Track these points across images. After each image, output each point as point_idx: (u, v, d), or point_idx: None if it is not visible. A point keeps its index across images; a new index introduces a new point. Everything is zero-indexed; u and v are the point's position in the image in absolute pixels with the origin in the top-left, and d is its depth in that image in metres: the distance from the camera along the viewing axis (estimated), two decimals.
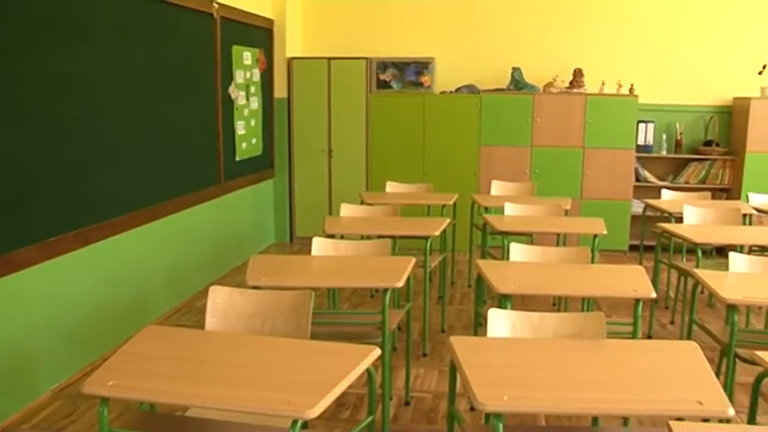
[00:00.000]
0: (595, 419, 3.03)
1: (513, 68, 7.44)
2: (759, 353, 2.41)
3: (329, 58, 7.43)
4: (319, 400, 2.00)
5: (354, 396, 4.00)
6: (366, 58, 7.40)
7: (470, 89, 7.43)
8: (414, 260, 3.63)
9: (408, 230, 4.72)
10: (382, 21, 7.78)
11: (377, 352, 2.38)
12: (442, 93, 7.49)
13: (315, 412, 1.96)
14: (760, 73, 7.55)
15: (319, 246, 3.99)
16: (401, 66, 7.41)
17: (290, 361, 2.33)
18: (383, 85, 7.43)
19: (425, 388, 4.20)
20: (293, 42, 7.62)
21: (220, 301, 2.88)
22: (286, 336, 2.77)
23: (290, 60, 7.47)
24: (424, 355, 4.68)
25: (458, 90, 7.47)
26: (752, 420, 2.66)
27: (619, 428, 3.26)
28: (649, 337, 5.06)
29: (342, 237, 4.43)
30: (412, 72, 7.42)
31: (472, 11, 7.70)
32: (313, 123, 7.53)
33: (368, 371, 2.37)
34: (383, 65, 7.41)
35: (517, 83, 7.40)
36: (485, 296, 5.26)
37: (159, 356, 2.35)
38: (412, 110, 7.38)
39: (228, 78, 6.32)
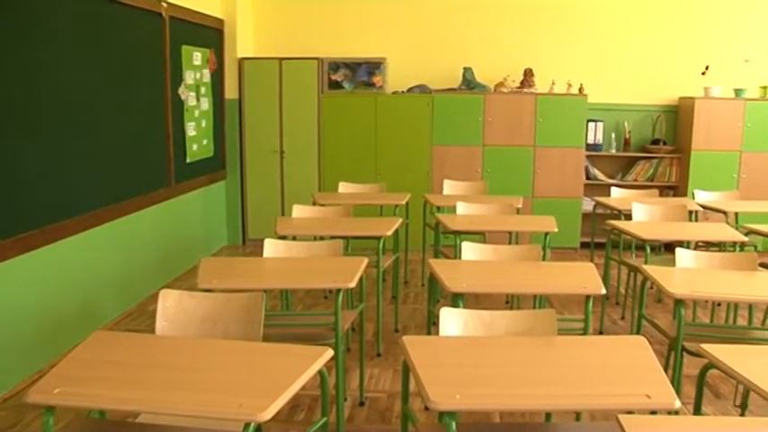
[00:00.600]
0: (548, 415, 3.06)
1: (465, 68, 7.49)
2: (704, 345, 2.46)
3: (280, 59, 7.39)
4: (271, 403, 1.98)
5: (309, 398, 3.98)
6: (318, 59, 7.37)
7: (422, 89, 7.46)
8: (366, 260, 3.63)
9: (361, 231, 4.71)
10: (334, 21, 7.77)
11: (329, 353, 2.37)
12: (393, 93, 7.50)
13: (267, 415, 1.95)
14: (703, 73, 7.73)
15: (271, 247, 3.96)
16: (353, 66, 7.40)
17: (242, 364, 2.31)
18: (335, 85, 7.42)
19: (380, 388, 4.20)
20: (244, 42, 7.56)
21: (171, 304, 2.84)
22: (238, 338, 2.75)
23: (241, 61, 7.41)
24: (379, 355, 4.68)
25: (410, 90, 7.49)
26: (697, 411, 2.72)
27: (571, 423, 3.30)
28: (601, 333, 5.13)
29: (294, 238, 4.41)
30: (364, 72, 7.42)
31: (423, 11, 7.73)
32: (265, 124, 7.48)
33: (320, 372, 2.36)
34: (335, 65, 7.40)
35: (468, 83, 7.46)
36: (438, 295, 5.29)
37: (108, 362, 2.31)
38: (364, 110, 7.38)
39: (178, 79, 6.24)
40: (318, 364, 2.29)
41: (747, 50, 7.83)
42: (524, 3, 7.72)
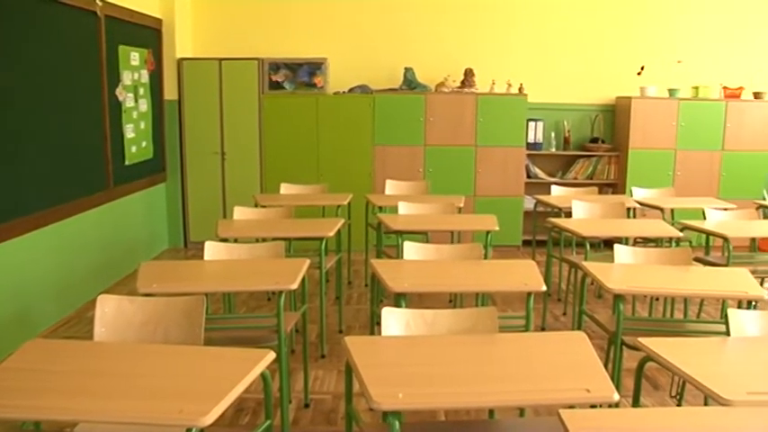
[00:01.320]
0: (491, 412, 3.09)
1: (406, 68, 7.52)
2: (642, 339, 2.51)
3: (220, 59, 7.31)
4: (212, 407, 1.96)
5: (254, 401, 3.95)
6: (258, 59, 7.31)
7: (363, 89, 7.46)
8: (308, 261, 3.61)
9: (303, 232, 4.69)
10: (274, 21, 7.72)
11: (271, 355, 2.35)
12: (335, 93, 7.49)
13: (208, 420, 1.93)
14: (639, 74, 7.91)
15: (212, 250, 3.91)
16: (293, 66, 7.36)
17: (182, 368, 2.28)
18: (276, 85, 7.37)
19: (325, 389, 4.19)
20: (183, 43, 7.45)
21: (109, 310, 2.79)
22: (179, 343, 2.71)
23: (180, 61, 7.31)
24: (323, 356, 4.67)
25: (351, 90, 7.49)
26: (636, 403, 2.78)
27: (515, 419, 3.33)
28: (543, 329, 5.21)
29: (236, 240, 4.37)
30: (305, 73, 7.38)
31: (364, 11, 7.74)
32: (205, 125, 7.39)
33: (262, 375, 2.34)
34: (275, 66, 7.35)
35: (410, 83, 7.49)
36: (382, 295, 5.30)
37: (43, 371, 2.25)
38: (305, 111, 7.34)
39: (115, 80, 6.12)
40: (260, 367, 2.27)
41: (680, 52, 8.04)
42: (465, 3, 7.78)
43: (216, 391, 2.06)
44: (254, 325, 4.12)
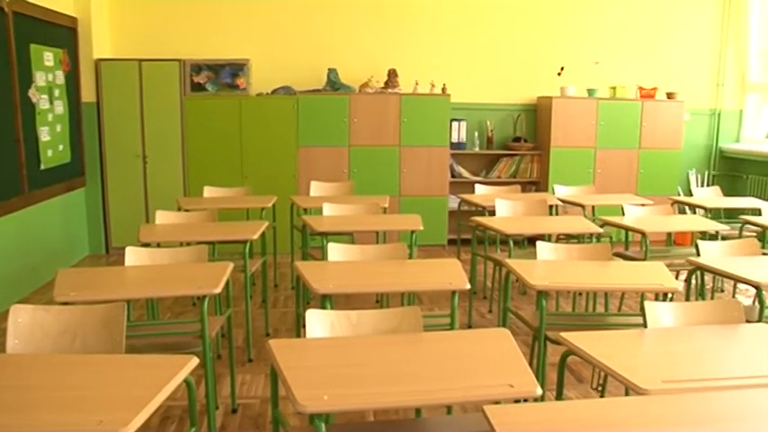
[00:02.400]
0: (418, 411, 3.11)
1: (329, 69, 7.50)
2: (563, 334, 2.57)
3: (140, 60, 7.15)
4: (134, 417, 1.91)
5: (180, 409, 3.88)
6: (179, 60, 7.18)
7: (287, 90, 7.41)
8: (232, 265, 3.57)
9: (226, 235, 4.63)
10: (195, 21, 7.58)
11: (195, 361, 2.31)
12: (258, 95, 7.41)
13: (129, 429, 1.87)
14: (559, 74, 8.08)
15: (133, 255, 3.83)
16: (216, 68, 7.26)
17: (102, 378, 2.21)
18: (198, 87, 7.25)
19: (252, 394, 4.15)
20: (100, 43, 7.26)
21: (24, 320, 2.69)
22: (99, 352, 2.64)
23: (98, 62, 7.11)
24: (250, 360, 4.62)
25: (274, 92, 7.43)
26: (559, 396, 2.83)
27: (443, 417, 3.35)
28: (470, 327, 5.26)
29: (158, 245, 4.28)
30: (227, 74, 7.29)
31: (286, 11, 7.68)
32: (125, 128, 7.21)
33: (186, 381, 2.30)
34: (197, 67, 7.23)
35: (333, 83, 7.47)
36: (309, 297, 5.27)
37: None
38: (228, 112, 7.25)
39: (27, 80, 5.92)
40: (183, 374, 2.23)
41: (598, 53, 8.26)
42: (387, 4, 7.81)
43: (137, 400, 2.01)
44: (178, 331, 4.03)
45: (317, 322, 2.66)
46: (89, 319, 2.73)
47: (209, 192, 6.14)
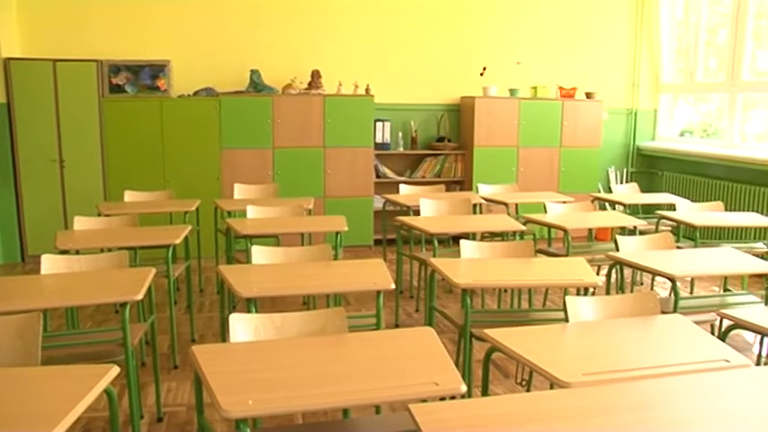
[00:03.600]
0: (345, 411, 3.10)
1: (252, 70, 7.43)
2: (487, 330, 2.59)
3: (54, 60, 6.92)
4: (51, 430, 1.84)
5: (103, 420, 3.78)
6: (96, 61, 6.98)
7: (209, 92, 7.30)
8: (154, 270, 3.49)
9: (148, 240, 4.52)
10: (112, 20, 7.38)
11: (115, 370, 2.25)
12: (179, 96, 7.27)
13: None
14: (481, 74, 8.19)
15: (50, 263, 3.70)
16: (135, 69, 7.09)
17: (16, 392, 2.13)
18: (116, 89, 7.07)
19: (179, 401, 4.07)
20: (9, 41, 6.98)
21: None
22: (13, 365, 2.54)
23: (7, 61, 6.85)
24: (176, 367, 4.54)
25: (196, 93, 7.31)
26: (485, 392, 2.86)
27: (371, 417, 3.35)
28: (397, 326, 5.28)
29: (77, 252, 4.16)
30: (147, 75, 7.13)
31: (208, 11, 7.56)
32: (40, 131, 6.96)
33: (106, 391, 2.23)
34: (115, 68, 7.05)
35: (256, 85, 7.40)
36: (235, 301, 5.21)
37: None
38: (149, 115, 7.09)
39: None
40: (103, 384, 2.17)
41: (519, 53, 8.40)
42: (310, 4, 7.78)
43: (53, 414, 1.94)
44: (99, 340, 3.92)
45: (241, 326, 2.63)
46: (2, 331, 2.63)
47: (130, 196, 6.00)
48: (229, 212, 5.57)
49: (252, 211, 5.18)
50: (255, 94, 7.34)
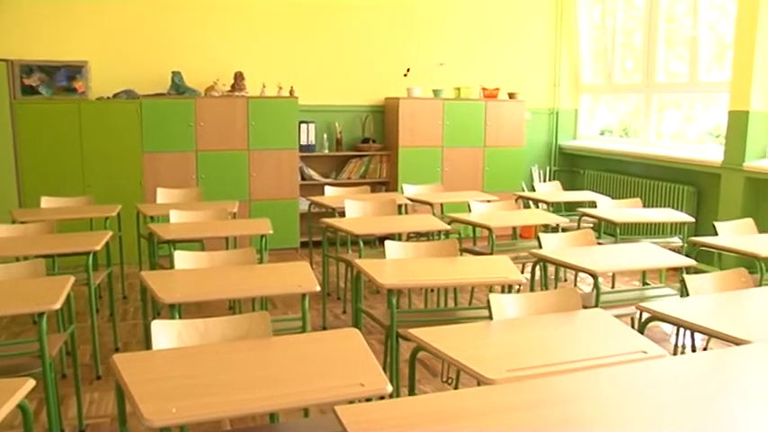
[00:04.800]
0: (272, 416, 3.07)
1: (173, 72, 7.29)
2: (413, 330, 2.61)
3: None
4: None
5: None
6: (7, 61, 6.71)
7: (129, 94, 7.13)
8: (73, 278, 3.39)
9: (67, 247, 4.38)
10: (23, 18, 7.09)
11: (30, 383, 2.17)
12: (98, 99, 7.07)
13: None
14: (405, 75, 8.23)
15: None
16: (49, 69, 6.86)
17: None
18: (30, 90, 6.82)
19: (102, 412, 3.96)
20: None
21: None
22: None
23: None
24: (98, 377, 4.41)
25: (116, 96, 7.12)
26: (411, 392, 2.88)
27: (299, 420, 3.33)
28: (324, 328, 5.25)
29: None
30: (62, 76, 6.91)
31: (127, 11, 7.36)
32: None
33: (20, 406, 2.15)
34: (28, 68, 6.80)
35: (178, 87, 7.27)
36: (159, 308, 5.10)
37: None
38: (66, 118, 6.86)
39: None
40: (16, 399, 2.09)
41: (442, 55, 8.48)
42: (232, 6, 7.68)
43: None
44: (15, 352, 3.79)
45: (164, 333, 2.57)
46: None
47: (47, 202, 5.82)
48: (152, 217, 5.46)
49: (175, 216, 5.09)
50: (177, 97, 7.21)
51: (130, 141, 7.03)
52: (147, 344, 4.29)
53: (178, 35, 7.55)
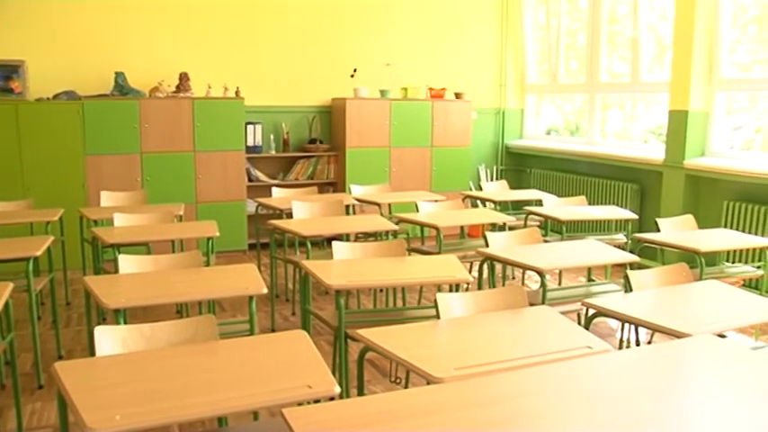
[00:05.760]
0: (221, 420, 3.04)
1: (117, 73, 7.15)
2: (360, 330, 2.61)
3: None
4: None
5: None
6: None
7: (70, 95, 6.97)
8: (11, 285, 3.30)
9: (5, 253, 4.23)
10: None
11: None
12: (37, 100, 6.89)
13: None
14: (352, 76, 8.22)
15: None
16: None
17: None
18: None
19: (44, 423, 3.87)
20: None
21: None
22: None
23: None
24: (41, 387, 4.31)
25: (56, 96, 6.95)
26: (360, 392, 2.88)
27: (249, 423, 3.30)
28: (273, 331, 5.22)
29: None
30: None
31: (66, 9, 7.18)
32: None
33: None
34: None
35: (121, 88, 7.14)
36: (104, 314, 5.02)
37: None
38: (4, 119, 6.64)
39: None
40: None
41: (389, 55, 8.49)
42: (176, 5, 7.57)
43: None
44: None
45: (108, 339, 2.53)
46: None
47: None
48: (96, 221, 5.36)
49: (119, 219, 5.00)
50: (121, 98, 7.08)
51: (72, 143, 6.87)
52: (92, 351, 4.21)
53: (121, 34, 7.42)
